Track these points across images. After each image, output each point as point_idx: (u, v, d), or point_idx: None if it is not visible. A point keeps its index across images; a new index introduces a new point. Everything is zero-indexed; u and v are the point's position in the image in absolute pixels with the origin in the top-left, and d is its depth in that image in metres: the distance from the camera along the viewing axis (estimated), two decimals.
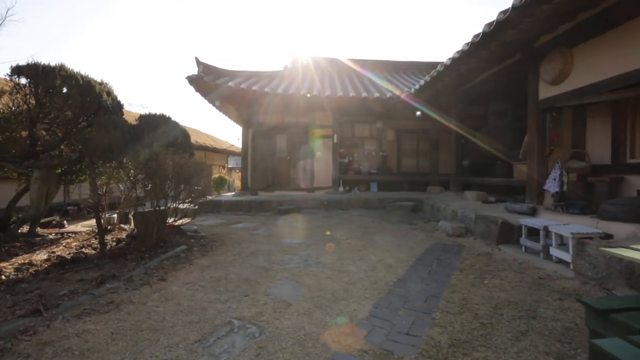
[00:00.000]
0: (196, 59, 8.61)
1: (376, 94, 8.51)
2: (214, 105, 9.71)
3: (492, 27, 4.43)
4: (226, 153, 19.12)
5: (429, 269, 3.64)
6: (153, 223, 4.39)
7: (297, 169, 9.88)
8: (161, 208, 4.65)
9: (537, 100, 5.22)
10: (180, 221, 5.09)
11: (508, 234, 4.60)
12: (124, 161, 4.39)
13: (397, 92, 8.56)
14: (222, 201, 8.45)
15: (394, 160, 10.85)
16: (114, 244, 4.67)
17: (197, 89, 8.63)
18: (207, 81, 8.33)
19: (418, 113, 9.05)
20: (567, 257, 3.49)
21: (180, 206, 5.09)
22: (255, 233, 5.75)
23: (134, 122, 5.02)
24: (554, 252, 3.71)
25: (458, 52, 5.54)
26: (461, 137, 8.19)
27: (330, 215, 7.61)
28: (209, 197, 6.47)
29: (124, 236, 5.01)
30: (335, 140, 9.66)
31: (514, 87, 6.87)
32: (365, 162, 10.37)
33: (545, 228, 3.85)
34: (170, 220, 4.86)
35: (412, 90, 7.96)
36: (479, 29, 4.70)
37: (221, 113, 11.05)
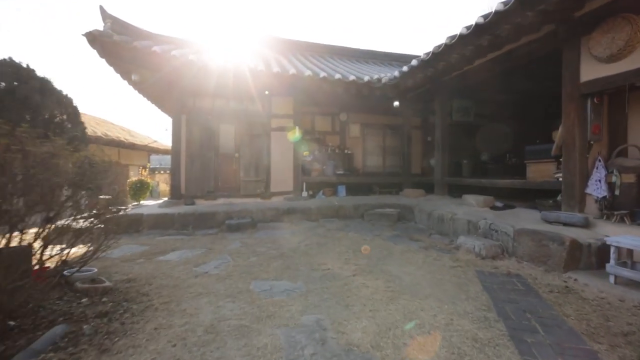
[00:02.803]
0: (101, 8, 5.89)
1: (351, 77, 6.91)
2: (129, 81, 6.99)
3: None
4: (147, 150, 15.64)
5: (542, 339, 2.10)
6: None
7: (248, 170, 7.72)
8: (13, 246, 2.28)
9: (577, 83, 4.19)
10: (61, 253, 2.67)
11: (577, 258, 3.38)
12: None
13: (375, 77, 7.10)
14: (144, 215, 5.90)
15: (360, 159, 9.47)
16: None
17: (103, 54, 5.88)
18: (120, 42, 5.70)
19: (396, 103, 7.75)
20: None
21: (74, 224, 2.71)
22: (202, 272, 3.59)
23: None
24: None
25: (484, 16, 4.24)
26: (448, 133, 7.09)
27: (301, 230, 5.75)
28: (123, 210, 4.05)
29: None
30: (297, 134, 7.79)
31: (524, 71, 5.97)
32: (329, 161, 8.71)
33: None
34: (41, 255, 2.44)
35: (397, 74, 6.58)
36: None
37: (141, 95, 8.25)
